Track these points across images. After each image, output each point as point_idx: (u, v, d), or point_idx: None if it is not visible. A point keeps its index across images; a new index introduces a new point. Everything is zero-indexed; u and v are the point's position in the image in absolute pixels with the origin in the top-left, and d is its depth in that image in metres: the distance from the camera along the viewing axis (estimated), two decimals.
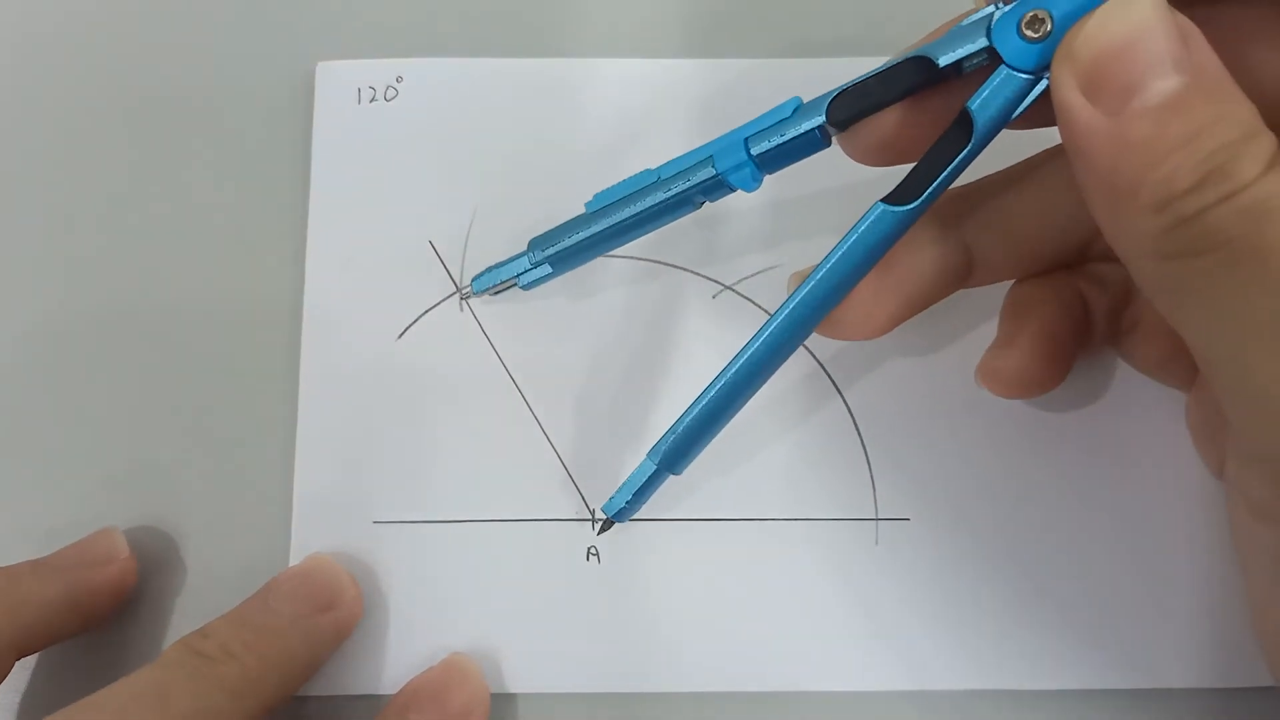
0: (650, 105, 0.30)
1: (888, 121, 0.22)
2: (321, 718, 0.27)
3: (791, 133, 0.23)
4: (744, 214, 0.29)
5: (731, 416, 0.24)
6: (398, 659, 0.27)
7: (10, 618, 0.24)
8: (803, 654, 0.27)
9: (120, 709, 0.21)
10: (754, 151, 0.23)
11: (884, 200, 0.22)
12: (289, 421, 0.28)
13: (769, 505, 0.28)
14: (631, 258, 0.29)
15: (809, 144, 0.23)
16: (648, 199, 0.25)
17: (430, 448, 0.28)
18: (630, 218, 0.25)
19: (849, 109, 0.22)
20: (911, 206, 0.21)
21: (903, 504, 0.27)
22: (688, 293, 0.29)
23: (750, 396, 0.24)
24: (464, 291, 0.28)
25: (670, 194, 0.24)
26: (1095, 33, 0.18)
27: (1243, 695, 0.26)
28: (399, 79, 0.31)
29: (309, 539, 0.28)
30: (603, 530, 0.27)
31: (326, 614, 0.26)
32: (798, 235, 0.29)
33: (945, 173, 0.21)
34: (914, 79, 0.21)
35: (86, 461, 0.29)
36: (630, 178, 0.25)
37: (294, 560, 0.28)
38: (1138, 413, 0.28)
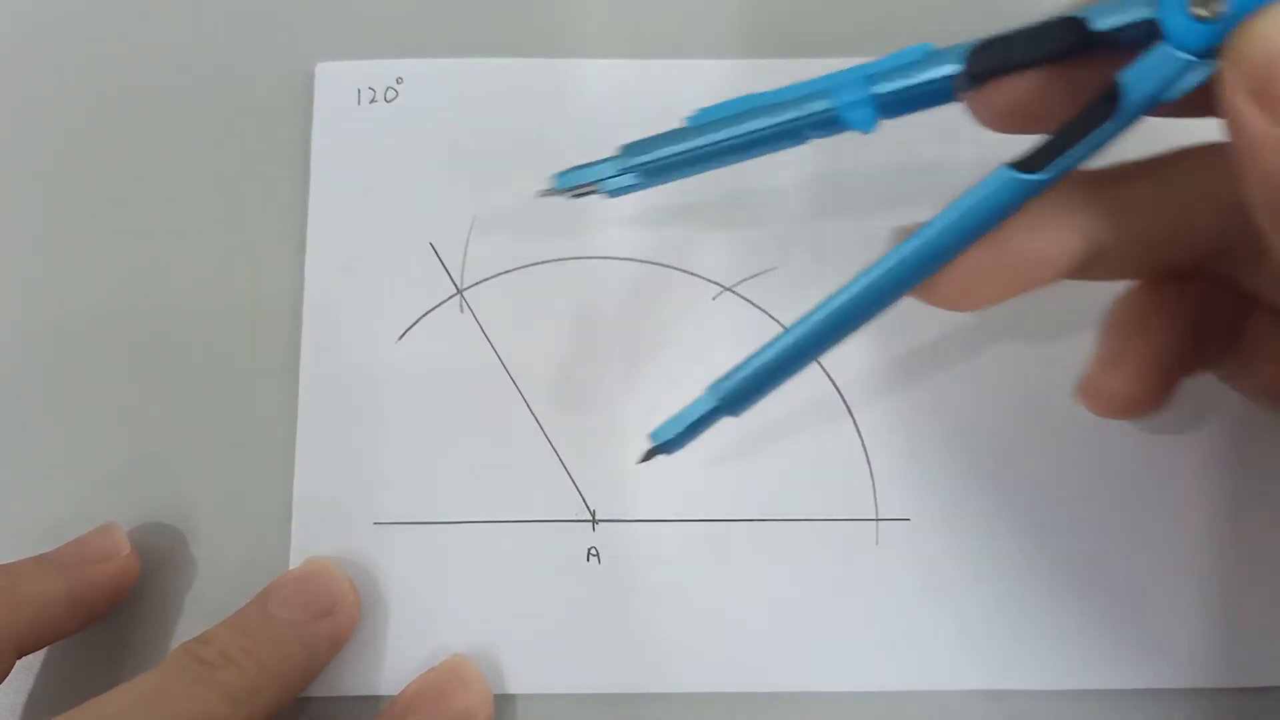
0: (651, 105, 0.30)
1: (1026, 83, 0.20)
2: (322, 719, 0.27)
3: (923, 76, 0.21)
4: (740, 214, 0.29)
5: (803, 368, 0.23)
6: (398, 660, 0.27)
7: (10, 616, 0.24)
8: (803, 654, 0.27)
9: (121, 713, 0.21)
10: (876, 91, 0.21)
11: (1010, 165, 0.20)
12: (289, 423, 0.28)
13: (769, 506, 0.28)
14: (631, 259, 0.29)
15: (938, 93, 0.21)
16: (754, 122, 0.22)
17: (431, 449, 0.28)
18: (733, 139, 0.23)
19: (989, 62, 0.20)
20: (1039, 177, 0.20)
21: (903, 504, 0.27)
22: (687, 294, 0.29)
23: (827, 350, 0.22)
24: (545, 190, 0.25)
25: (778, 120, 0.22)
26: (1270, 32, 0.16)
27: (1242, 695, 0.26)
28: (399, 80, 0.31)
29: (309, 541, 0.28)
30: (645, 459, 0.24)
31: (325, 619, 0.26)
32: (798, 237, 0.29)
33: (1081, 145, 0.19)
34: (1063, 41, 0.20)
35: (86, 462, 0.29)
36: (737, 99, 0.23)
37: (294, 563, 0.28)
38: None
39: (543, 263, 0.29)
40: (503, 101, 0.30)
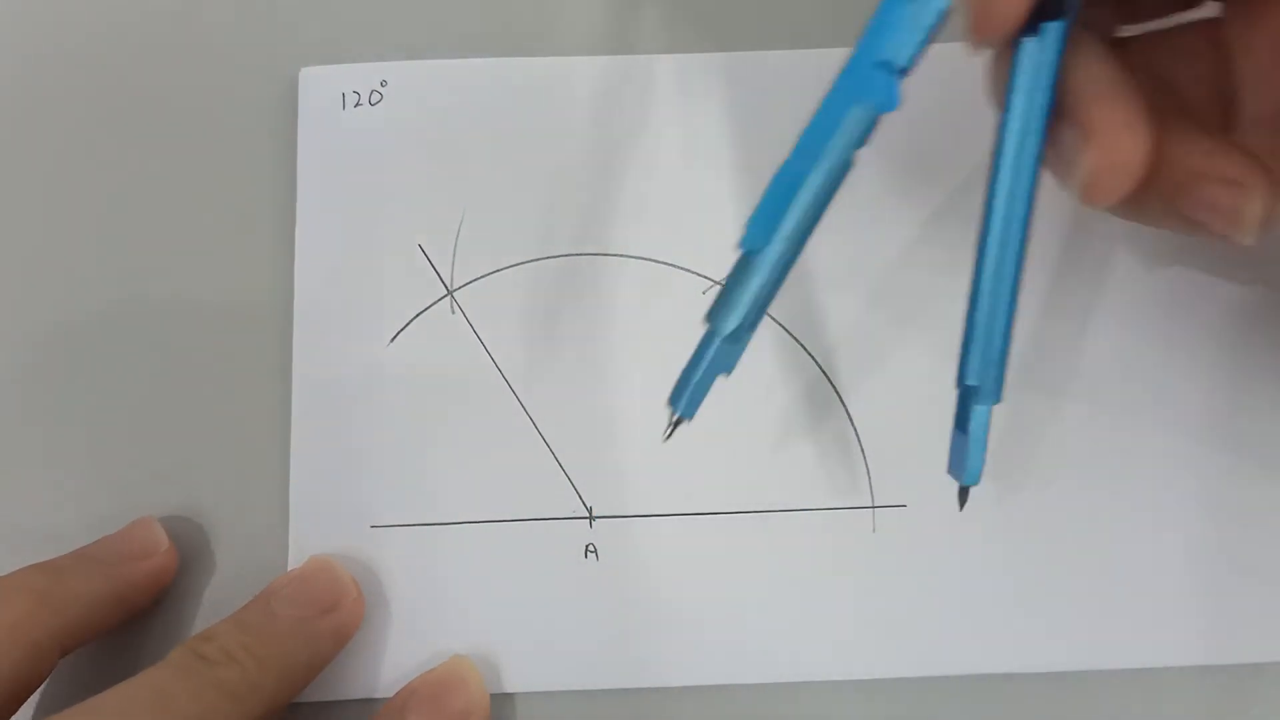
0: (636, 101, 0.30)
1: None
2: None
3: (929, 22, 0.19)
4: (730, 209, 0.30)
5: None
6: (396, 662, 0.27)
7: (56, 615, 0.24)
8: (803, 644, 0.27)
9: (122, 710, 0.21)
10: (901, 67, 0.20)
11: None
12: (284, 428, 0.28)
13: (764, 497, 0.28)
14: (620, 255, 0.29)
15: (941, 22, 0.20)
16: (806, 207, 0.21)
17: (426, 450, 0.28)
18: (798, 236, 0.21)
19: None
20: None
21: (898, 491, 0.28)
22: (676, 289, 0.29)
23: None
24: (673, 421, 0.24)
25: (829, 182, 0.21)
26: None
27: (1236, 671, 0.27)
28: (383, 83, 0.31)
29: (306, 546, 0.28)
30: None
31: (328, 617, 0.26)
32: None
33: None
34: None
35: (78, 468, 0.28)
36: (775, 187, 0.21)
37: (292, 567, 0.27)
38: (1130, 397, 0.28)
39: (532, 261, 0.29)
40: (488, 101, 0.30)
